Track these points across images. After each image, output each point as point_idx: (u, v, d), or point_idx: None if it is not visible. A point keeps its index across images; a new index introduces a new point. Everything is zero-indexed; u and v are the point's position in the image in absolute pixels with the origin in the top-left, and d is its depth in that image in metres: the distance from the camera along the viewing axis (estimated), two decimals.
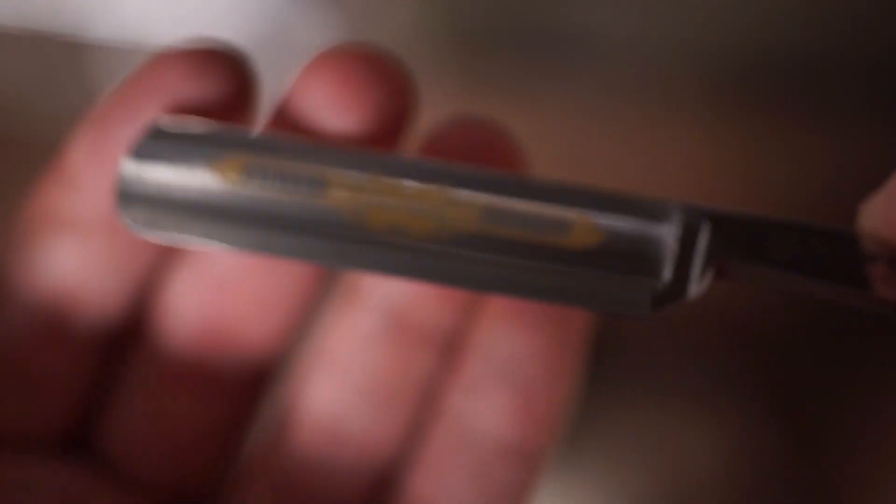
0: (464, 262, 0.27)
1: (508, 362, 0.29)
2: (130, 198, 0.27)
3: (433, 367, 0.30)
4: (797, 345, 0.63)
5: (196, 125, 0.28)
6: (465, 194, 0.27)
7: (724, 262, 0.26)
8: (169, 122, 0.28)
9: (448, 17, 0.66)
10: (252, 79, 0.29)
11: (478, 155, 0.28)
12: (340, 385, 0.30)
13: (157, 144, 0.28)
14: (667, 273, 0.26)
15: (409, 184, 0.27)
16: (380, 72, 0.28)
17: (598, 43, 0.66)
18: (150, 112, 0.28)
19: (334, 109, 0.28)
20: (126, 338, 0.30)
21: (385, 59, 0.28)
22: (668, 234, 0.26)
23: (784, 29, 0.66)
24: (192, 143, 0.28)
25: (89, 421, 0.31)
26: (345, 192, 0.27)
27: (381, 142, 0.28)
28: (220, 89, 0.28)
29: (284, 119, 0.29)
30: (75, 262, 0.29)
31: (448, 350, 0.30)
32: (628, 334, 0.63)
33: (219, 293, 0.30)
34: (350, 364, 0.30)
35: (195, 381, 0.30)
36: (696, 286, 0.26)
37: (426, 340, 0.29)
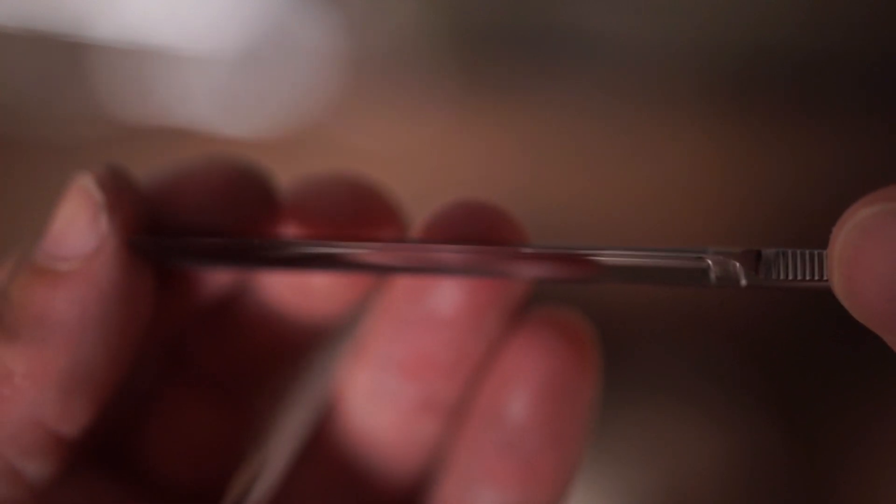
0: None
1: (512, 430, 0.30)
2: None
3: (440, 431, 0.31)
4: (797, 346, 0.63)
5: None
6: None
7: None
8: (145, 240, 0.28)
9: (448, 17, 0.66)
10: (273, 196, 0.29)
11: (479, 237, 0.29)
12: (359, 421, 0.31)
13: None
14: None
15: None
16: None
17: (598, 43, 0.66)
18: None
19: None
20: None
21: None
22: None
23: (784, 29, 0.66)
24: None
25: (120, 433, 0.31)
26: None
27: None
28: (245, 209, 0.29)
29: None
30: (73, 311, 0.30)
31: (453, 416, 0.30)
32: (629, 336, 0.63)
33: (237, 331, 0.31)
34: (362, 417, 0.31)
35: (218, 393, 0.31)
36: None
37: (432, 408, 0.30)
